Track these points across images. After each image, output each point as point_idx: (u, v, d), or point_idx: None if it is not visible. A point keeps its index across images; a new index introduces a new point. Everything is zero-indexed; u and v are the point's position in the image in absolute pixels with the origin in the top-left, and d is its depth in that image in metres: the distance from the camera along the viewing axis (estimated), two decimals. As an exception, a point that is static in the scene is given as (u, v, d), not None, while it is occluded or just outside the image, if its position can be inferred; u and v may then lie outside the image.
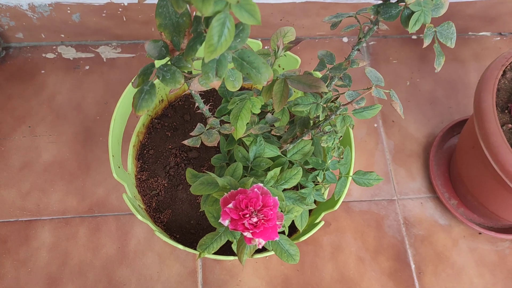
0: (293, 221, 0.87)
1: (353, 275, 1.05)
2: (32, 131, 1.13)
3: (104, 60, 1.23)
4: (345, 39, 1.33)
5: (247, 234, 0.52)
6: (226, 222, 0.53)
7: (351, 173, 0.74)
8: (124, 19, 1.16)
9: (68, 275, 1.00)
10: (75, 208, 1.07)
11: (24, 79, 1.19)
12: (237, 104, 0.67)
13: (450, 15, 1.28)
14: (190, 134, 0.65)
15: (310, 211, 0.85)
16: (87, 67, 1.21)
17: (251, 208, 0.53)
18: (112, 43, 1.25)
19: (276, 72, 0.69)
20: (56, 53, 1.22)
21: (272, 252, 0.73)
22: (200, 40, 0.46)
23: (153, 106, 0.49)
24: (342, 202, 1.13)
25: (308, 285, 1.03)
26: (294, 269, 1.05)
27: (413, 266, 1.08)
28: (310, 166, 0.72)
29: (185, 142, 0.64)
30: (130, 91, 0.82)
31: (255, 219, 0.53)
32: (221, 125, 0.67)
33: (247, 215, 0.53)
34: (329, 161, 0.67)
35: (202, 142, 0.66)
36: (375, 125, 1.22)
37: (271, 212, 0.53)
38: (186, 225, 0.87)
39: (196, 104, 0.65)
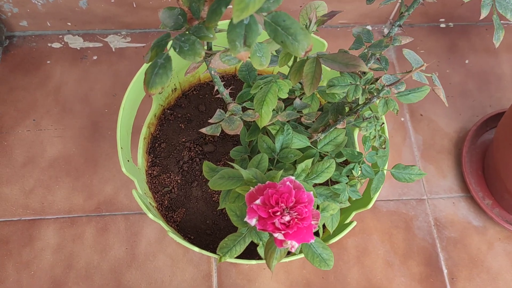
0: (320, 221, 0.79)
1: (381, 281, 0.97)
2: (37, 124, 1.06)
3: (113, 50, 1.16)
4: (368, 28, 1.24)
5: (278, 236, 0.44)
6: (253, 221, 0.45)
7: (386, 167, 0.66)
8: (134, 6, 1.09)
9: (73, 278, 0.93)
10: (81, 206, 0.99)
11: (29, 70, 1.12)
12: (261, 88, 0.59)
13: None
14: (209, 121, 0.57)
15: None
16: (95, 57, 1.14)
17: (282, 204, 0.45)
18: (122, 32, 1.18)
19: (305, 52, 0.61)
20: (63, 43, 1.15)
21: (299, 256, 0.65)
22: (225, 2, 0.38)
23: (168, 83, 0.42)
24: (368, 201, 1.04)
25: (332, 291, 0.95)
26: (317, 274, 0.97)
27: (445, 271, 0.99)
28: (342, 160, 0.64)
29: (203, 130, 0.56)
30: (140, 77, 0.75)
31: (287, 218, 0.45)
32: (243, 112, 0.59)
33: (278, 213, 0.45)
34: (366, 152, 0.59)
35: (222, 131, 0.58)
36: (402, 119, 1.14)
37: (306, 210, 0.45)
38: (201, 225, 0.80)
39: (215, 88, 0.57)
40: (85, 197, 1.00)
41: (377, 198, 1.05)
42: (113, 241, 0.97)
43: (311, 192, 0.47)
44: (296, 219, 0.45)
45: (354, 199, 0.76)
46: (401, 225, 1.03)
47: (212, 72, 0.55)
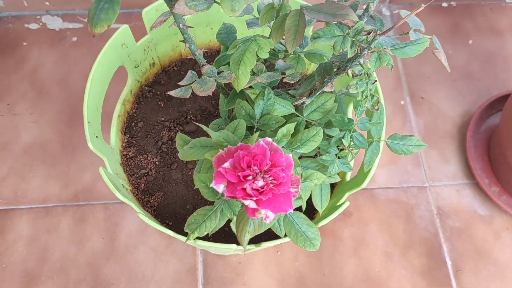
0: (310, 202, 0.72)
1: (380, 274, 0.90)
2: (11, 109, 0.99)
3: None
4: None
5: (250, 203, 0.37)
6: (220, 188, 0.38)
7: (382, 137, 0.59)
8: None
9: (47, 272, 0.86)
10: (57, 195, 0.93)
11: (4, 52, 1.05)
12: (239, 47, 0.52)
13: (486, -22, 1.12)
14: (179, 83, 0.50)
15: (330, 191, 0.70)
16: (74, 39, 1.08)
17: (255, 168, 0.38)
18: (103, 12, 1.11)
19: (288, 7, 0.55)
20: (40, 23, 1.09)
21: (285, 240, 0.58)
22: None
23: (115, 20, 0.35)
24: (365, 189, 0.97)
25: (327, 285, 0.88)
26: (311, 267, 0.89)
27: (449, 263, 0.92)
28: (332, 133, 0.57)
29: (171, 92, 0.49)
30: (111, 44, 0.68)
31: (261, 183, 0.38)
32: (218, 75, 0.52)
33: (250, 177, 0.38)
34: (358, 119, 0.52)
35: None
36: (402, 102, 1.07)
37: (283, 174, 0.38)
38: (180, 210, 0.73)
39: (186, 45, 0.50)
40: (61, 186, 0.93)
41: (375, 185, 0.98)
42: (91, 232, 0.90)
43: (290, 155, 0.40)
44: (271, 185, 0.38)
45: (346, 174, 0.69)
46: (401, 214, 0.96)
47: (181, 25, 0.48)
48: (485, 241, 0.94)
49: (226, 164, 0.38)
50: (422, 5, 0.41)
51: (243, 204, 0.40)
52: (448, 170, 1.00)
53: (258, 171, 0.38)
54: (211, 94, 0.49)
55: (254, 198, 0.37)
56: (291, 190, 0.39)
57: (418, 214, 0.96)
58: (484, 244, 0.94)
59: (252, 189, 0.37)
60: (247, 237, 0.40)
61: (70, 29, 1.09)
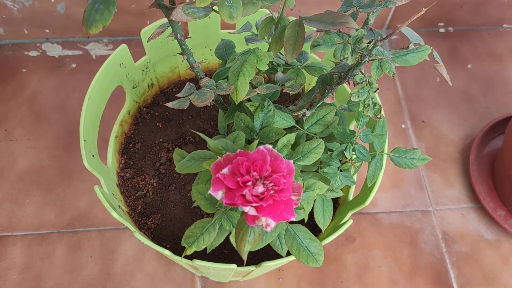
0: (313, 222, 0.70)
1: (385, 301, 0.87)
2: (8, 135, 0.98)
3: (94, 58, 1.09)
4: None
5: (250, 210, 0.35)
6: (218, 195, 0.36)
7: (385, 151, 0.57)
8: (116, 10, 1.03)
9: (40, 301, 0.83)
10: (52, 222, 0.90)
11: (3, 79, 1.05)
12: (238, 59, 0.51)
13: (484, 4, 1.13)
14: (176, 95, 0.49)
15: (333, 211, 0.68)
16: (73, 65, 1.08)
17: (255, 173, 0.36)
18: (103, 39, 1.11)
19: (287, 19, 0.54)
20: (40, 51, 1.09)
21: (287, 259, 0.56)
22: None
23: (110, 21, 0.34)
24: (368, 213, 0.95)
25: (331, 312, 0.85)
26: (313, 294, 0.86)
27: (457, 290, 0.89)
28: (335, 147, 0.55)
29: (169, 104, 0.48)
30: (109, 64, 0.68)
31: (261, 189, 0.36)
32: (217, 88, 0.51)
33: (249, 183, 0.36)
34: (360, 130, 0.51)
35: (192, 104, 0.50)
36: (403, 126, 1.06)
37: (284, 181, 0.37)
38: (178, 232, 0.71)
39: (183, 58, 0.50)
40: (57, 212, 0.91)
41: (378, 209, 0.95)
42: (86, 260, 0.87)
43: (291, 161, 0.38)
44: (271, 191, 0.36)
45: (349, 193, 0.67)
46: (406, 239, 0.93)
47: (178, 35, 0.47)
48: (492, 266, 0.91)
49: (225, 170, 0.36)
50: (423, 8, 0.41)
51: (242, 212, 0.38)
52: (452, 194, 0.98)
53: (258, 177, 0.36)
54: (210, 105, 0.48)
55: (254, 205, 0.35)
56: (293, 197, 0.37)
57: (423, 239, 0.93)
58: (492, 269, 0.91)
59: (252, 195, 0.35)
60: (247, 247, 0.38)
61: (69, 56, 1.09)
